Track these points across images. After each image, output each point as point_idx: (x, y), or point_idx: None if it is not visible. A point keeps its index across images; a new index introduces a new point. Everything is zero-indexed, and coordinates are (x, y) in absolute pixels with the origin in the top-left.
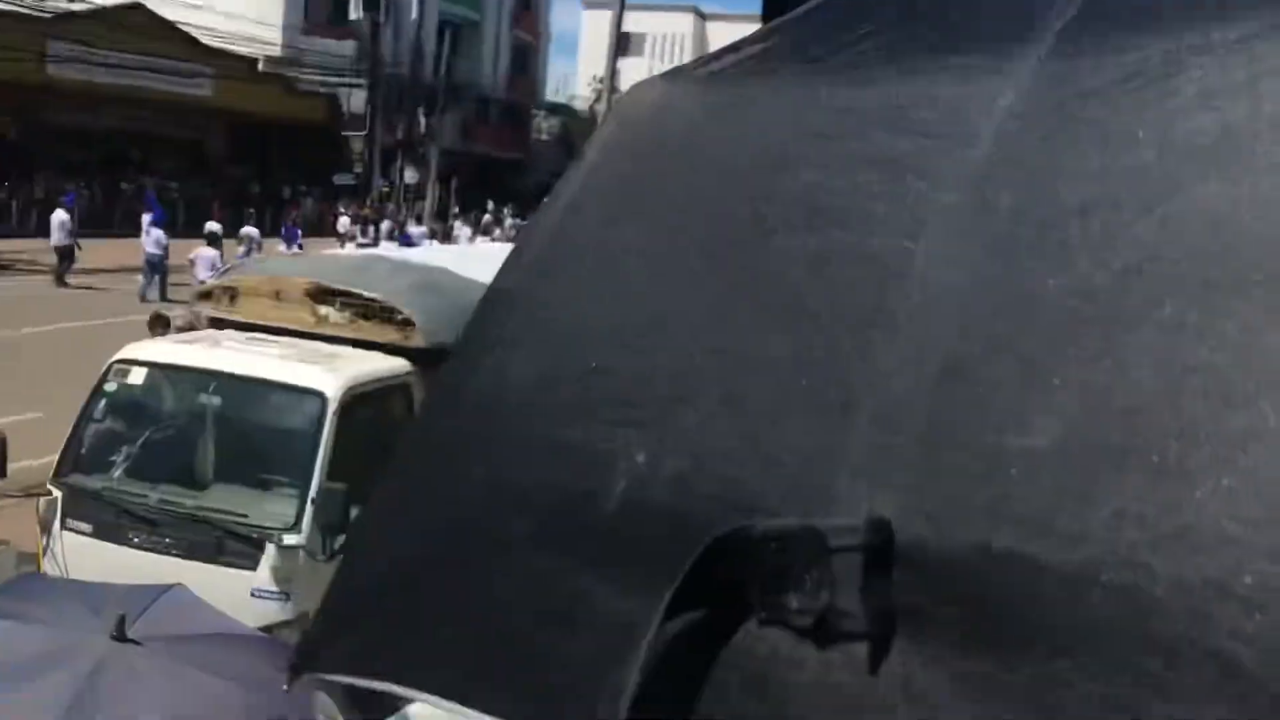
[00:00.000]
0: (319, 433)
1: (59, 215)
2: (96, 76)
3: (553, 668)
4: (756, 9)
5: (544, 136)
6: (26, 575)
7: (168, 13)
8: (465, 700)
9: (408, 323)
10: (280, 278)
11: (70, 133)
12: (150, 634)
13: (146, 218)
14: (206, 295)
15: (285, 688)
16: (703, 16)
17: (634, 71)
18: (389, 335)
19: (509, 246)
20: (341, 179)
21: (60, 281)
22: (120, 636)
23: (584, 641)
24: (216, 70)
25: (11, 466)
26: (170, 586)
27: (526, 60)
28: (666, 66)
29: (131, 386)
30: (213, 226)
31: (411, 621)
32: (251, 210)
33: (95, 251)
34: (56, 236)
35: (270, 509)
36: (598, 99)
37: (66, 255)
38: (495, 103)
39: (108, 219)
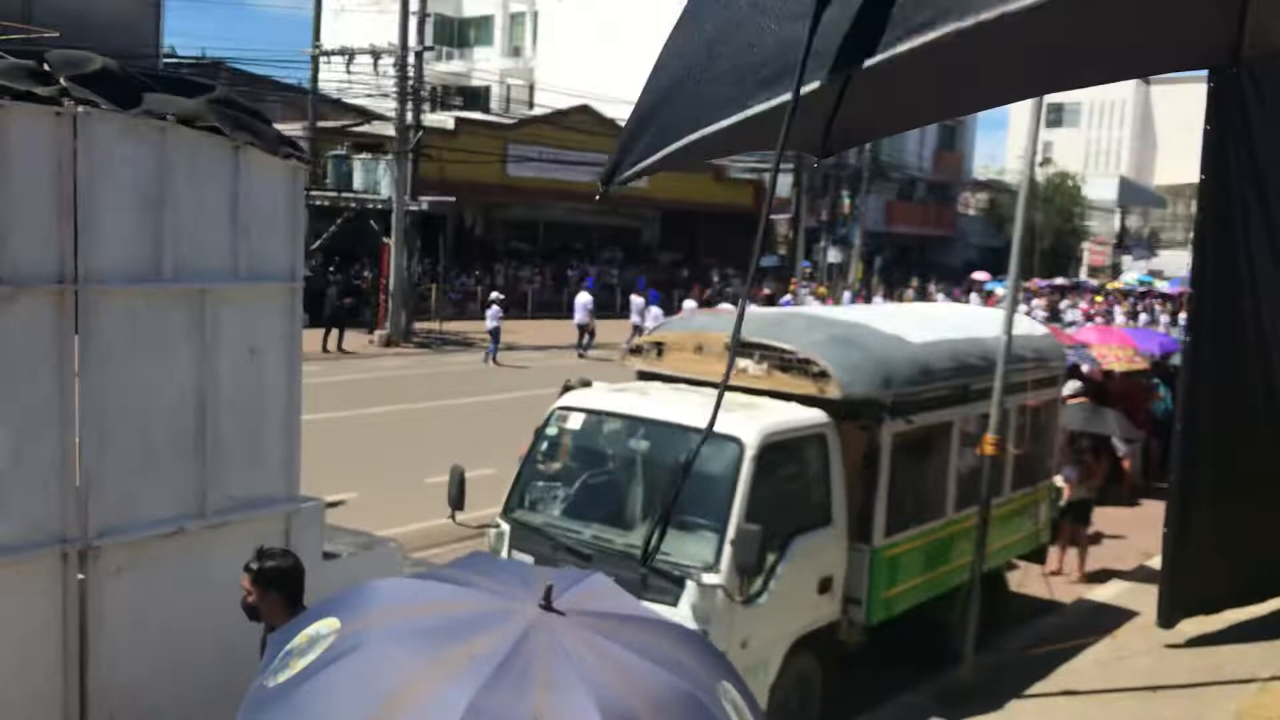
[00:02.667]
0: (737, 477)
1: (582, 296)
2: (545, 173)
3: None
4: (1202, 72)
5: (971, 212)
6: (473, 553)
7: (609, 111)
8: None
9: (824, 375)
10: (702, 333)
11: (523, 225)
12: (574, 608)
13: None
14: (636, 351)
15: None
16: (1146, 81)
17: (1068, 142)
18: (805, 387)
19: (930, 305)
20: (768, 261)
21: (582, 353)
22: (547, 606)
23: None
24: None
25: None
26: (593, 573)
27: (954, 136)
28: (1103, 135)
29: (569, 430)
30: (689, 304)
31: None
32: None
33: (538, 329)
34: (579, 316)
35: (691, 549)
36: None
37: (588, 331)
38: (921, 181)
39: (556, 304)
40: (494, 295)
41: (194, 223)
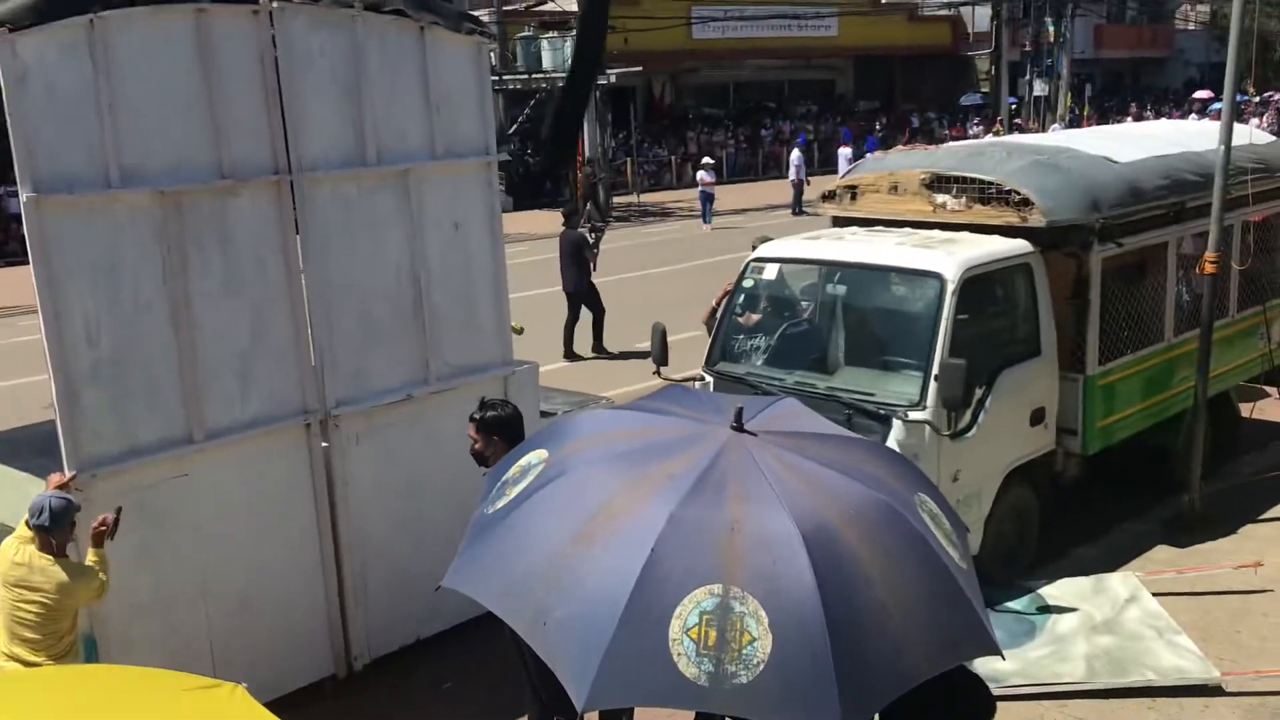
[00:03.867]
0: (939, 313)
1: (795, 154)
2: (730, 33)
3: None
4: None
5: (1190, 26)
6: (668, 385)
7: None
8: None
9: (1025, 202)
10: (897, 172)
11: (712, 89)
12: (765, 429)
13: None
14: (830, 196)
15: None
16: None
17: None
18: (1007, 217)
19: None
20: (969, 99)
21: (799, 211)
22: (738, 427)
23: None
24: (841, 8)
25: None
26: (783, 397)
27: None
28: None
29: (766, 281)
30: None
31: None
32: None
33: (743, 192)
34: (794, 174)
35: (895, 388)
36: None
37: (798, 188)
38: (1132, 1)
39: (752, 166)
40: (705, 160)
41: (390, 106)
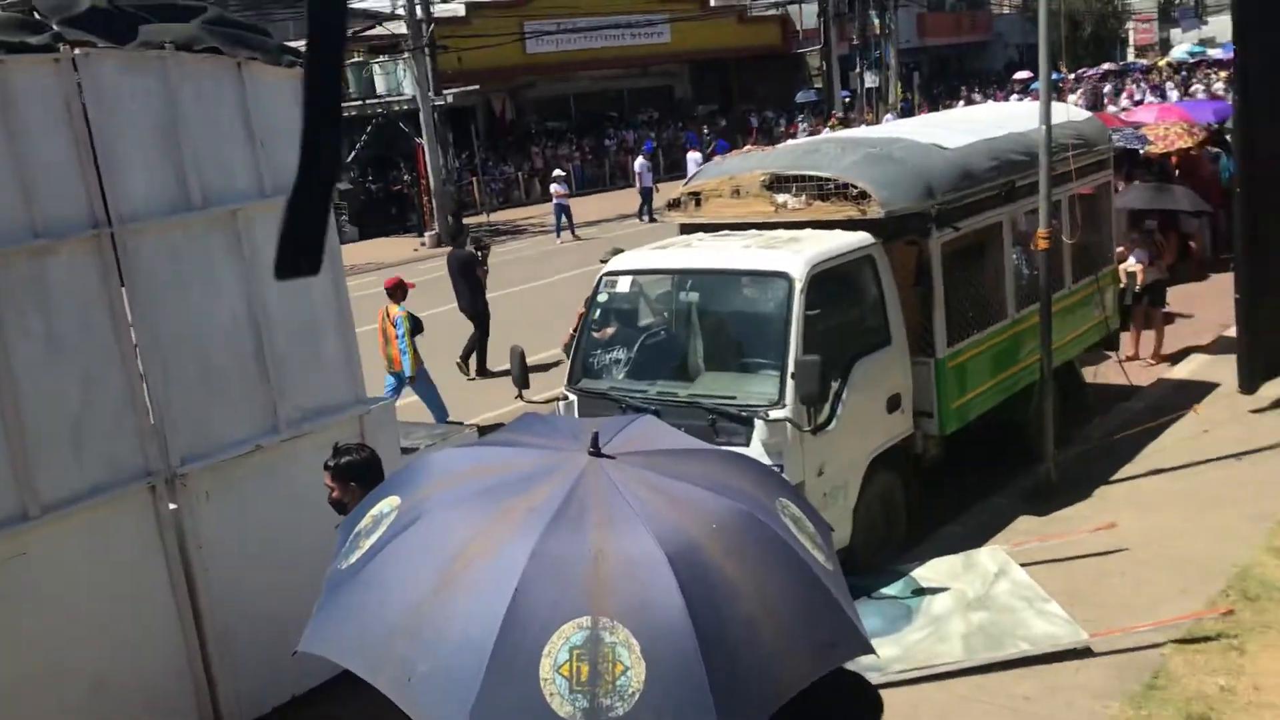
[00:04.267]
0: (789, 312)
1: (640, 161)
2: (566, 45)
3: None
4: None
5: (1006, 10)
6: (526, 415)
7: None
8: None
9: (863, 195)
10: (737, 175)
11: (553, 103)
12: (622, 450)
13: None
14: (675, 204)
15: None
16: None
17: None
18: (847, 211)
19: (967, 108)
20: (804, 96)
21: (650, 218)
22: (596, 452)
23: None
24: (671, 14)
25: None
26: (641, 415)
27: None
28: None
29: (620, 294)
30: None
31: None
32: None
33: (594, 203)
34: (642, 181)
35: (755, 389)
36: None
37: (645, 196)
38: None
39: (600, 177)
40: (556, 172)
41: (212, 147)
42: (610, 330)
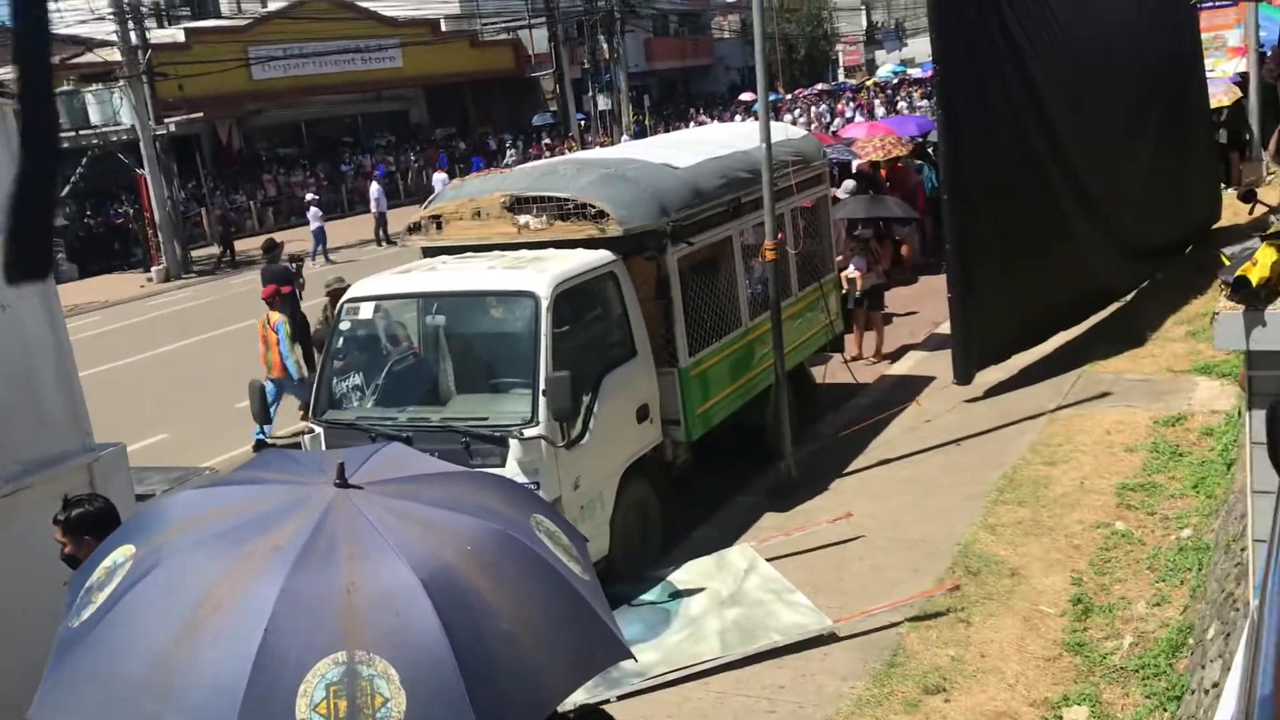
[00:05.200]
0: (537, 330)
1: (374, 187)
2: (294, 71)
3: None
4: None
5: (727, 35)
6: (266, 450)
7: None
8: None
9: (602, 215)
10: (478, 198)
11: (283, 129)
12: (370, 480)
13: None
14: (416, 228)
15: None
16: None
17: None
18: (587, 230)
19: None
20: (540, 119)
21: (389, 242)
22: (342, 483)
23: None
24: (403, 39)
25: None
26: (387, 444)
27: None
28: None
29: (363, 320)
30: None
31: None
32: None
33: (333, 230)
34: (377, 206)
35: (508, 408)
36: None
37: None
38: (672, 15)
39: (338, 203)
40: (309, 197)
41: None
42: (357, 358)
